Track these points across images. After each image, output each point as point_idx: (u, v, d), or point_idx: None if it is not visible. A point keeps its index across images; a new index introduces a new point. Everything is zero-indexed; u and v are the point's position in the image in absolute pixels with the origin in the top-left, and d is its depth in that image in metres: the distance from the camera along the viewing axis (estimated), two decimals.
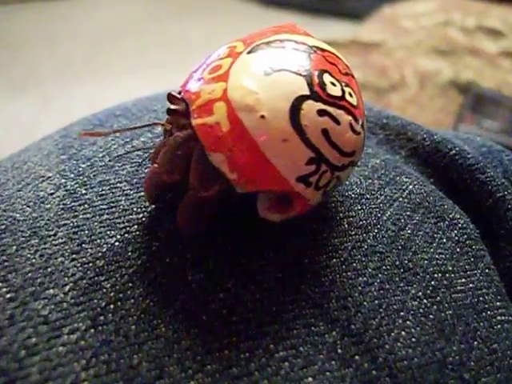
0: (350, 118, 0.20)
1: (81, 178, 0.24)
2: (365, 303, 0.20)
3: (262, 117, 0.18)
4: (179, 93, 0.20)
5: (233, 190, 0.19)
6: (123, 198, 0.23)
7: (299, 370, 0.18)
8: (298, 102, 0.19)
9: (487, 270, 0.24)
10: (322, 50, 0.21)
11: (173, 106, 0.20)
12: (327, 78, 0.20)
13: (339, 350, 0.19)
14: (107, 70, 1.68)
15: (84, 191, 0.23)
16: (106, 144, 0.26)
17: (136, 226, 0.22)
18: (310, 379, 0.18)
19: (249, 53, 0.20)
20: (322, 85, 0.19)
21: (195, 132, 0.19)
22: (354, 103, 0.20)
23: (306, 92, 0.19)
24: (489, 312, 0.22)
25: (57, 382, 0.17)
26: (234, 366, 0.18)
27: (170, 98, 0.21)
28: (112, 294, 0.19)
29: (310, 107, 0.19)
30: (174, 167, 0.20)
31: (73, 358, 0.18)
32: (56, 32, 1.94)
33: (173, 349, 0.18)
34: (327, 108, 0.19)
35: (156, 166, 0.20)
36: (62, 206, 0.22)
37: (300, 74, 0.19)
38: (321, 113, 0.19)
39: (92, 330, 0.18)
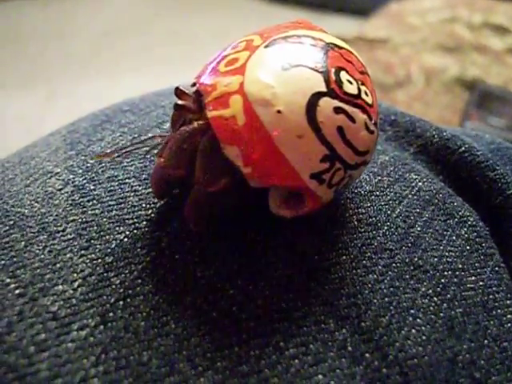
0: (365, 116, 0.20)
1: (89, 173, 0.23)
2: (375, 301, 0.20)
3: (279, 111, 0.18)
4: (193, 84, 0.20)
5: (241, 185, 0.19)
6: (132, 194, 0.22)
7: (309, 368, 0.18)
8: (315, 98, 0.19)
9: (497, 268, 0.24)
10: (339, 47, 0.21)
11: (180, 102, 0.20)
12: (344, 76, 0.20)
13: (349, 348, 0.19)
14: (114, 67, 1.68)
15: (92, 187, 0.23)
16: (113, 140, 0.26)
17: (145, 222, 0.21)
18: (321, 377, 0.18)
19: (266, 47, 0.20)
20: (339, 82, 0.19)
21: (210, 124, 0.19)
22: (370, 102, 0.20)
23: (323, 89, 0.19)
24: (499, 310, 0.22)
25: (66, 378, 0.17)
26: (244, 363, 0.18)
27: (178, 93, 0.20)
28: (121, 290, 0.19)
29: (327, 104, 0.19)
30: (179, 161, 0.20)
31: (82, 354, 0.17)
32: (63, 28, 1.94)
33: (182, 346, 0.18)
34: (343, 106, 0.19)
35: (162, 160, 0.20)
36: (70, 202, 0.22)
37: (317, 71, 0.19)
38: (337, 110, 0.19)
39: (101, 327, 0.18)
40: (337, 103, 0.19)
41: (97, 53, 1.77)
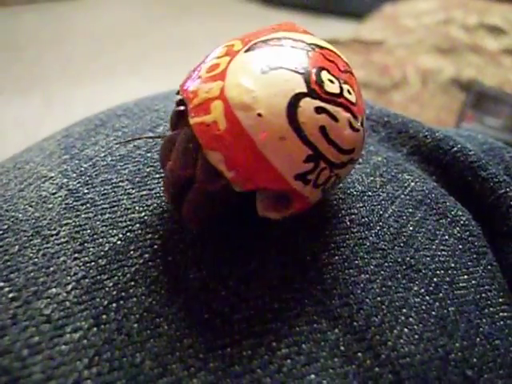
0: (349, 115, 0.20)
1: (83, 177, 0.24)
2: (367, 300, 0.20)
3: (259, 115, 0.18)
4: (178, 92, 0.20)
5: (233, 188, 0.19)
6: (125, 197, 0.23)
7: (302, 367, 0.18)
8: (296, 99, 0.18)
9: (489, 267, 0.24)
10: (321, 47, 0.21)
11: (182, 108, 0.20)
12: (325, 76, 0.20)
13: (342, 347, 0.19)
14: (109, 72, 1.68)
15: (86, 191, 0.23)
16: (107, 144, 0.26)
17: (138, 225, 0.22)
18: (313, 376, 0.18)
19: (246, 51, 0.20)
20: (320, 82, 0.19)
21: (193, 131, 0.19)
22: (353, 100, 0.20)
23: (304, 89, 0.19)
24: (491, 308, 0.22)
25: (59, 380, 0.17)
26: (236, 363, 0.18)
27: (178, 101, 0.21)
28: (114, 292, 0.19)
29: (308, 104, 0.19)
30: (187, 160, 0.19)
31: (75, 356, 0.18)
32: (59, 33, 1.94)
33: (175, 347, 0.18)
34: (325, 105, 0.19)
35: (170, 162, 0.20)
36: (64, 206, 0.22)
37: (297, 72, 0.19)
38: (318, 110, 0.19)
39: (95, 329, 0.18)
40: (318, 103, 0.19)
41: (93, 58, 1.77)
